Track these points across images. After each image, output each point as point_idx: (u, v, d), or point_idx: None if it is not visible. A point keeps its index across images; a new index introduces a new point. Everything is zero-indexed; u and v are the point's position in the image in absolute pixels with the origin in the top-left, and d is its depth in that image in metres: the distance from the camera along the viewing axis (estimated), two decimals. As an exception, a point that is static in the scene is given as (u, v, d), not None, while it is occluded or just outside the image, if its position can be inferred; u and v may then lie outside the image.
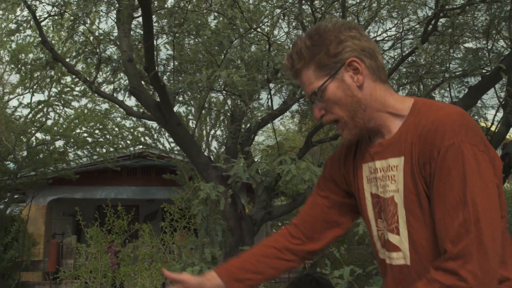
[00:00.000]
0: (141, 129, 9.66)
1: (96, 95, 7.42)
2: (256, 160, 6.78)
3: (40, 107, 9.29)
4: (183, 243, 4.04)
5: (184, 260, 3.16)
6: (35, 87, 9.08)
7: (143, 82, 4.63)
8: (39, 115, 9.47)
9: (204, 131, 9.38)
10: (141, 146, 10.20)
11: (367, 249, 6.86)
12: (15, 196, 10.16)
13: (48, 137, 9.48)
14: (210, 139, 9.35)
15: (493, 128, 4.59)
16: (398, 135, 1.28)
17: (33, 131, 9.42)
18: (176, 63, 5.22)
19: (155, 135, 9.50)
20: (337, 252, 3.21)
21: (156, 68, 4.84)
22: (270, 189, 3.96)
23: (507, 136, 4.75)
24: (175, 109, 6.10)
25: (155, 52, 4.70)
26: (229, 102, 6.07)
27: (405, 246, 1.27)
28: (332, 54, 1.29)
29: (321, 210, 1.51)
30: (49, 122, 9.63)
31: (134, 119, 9.18)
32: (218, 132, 9.12)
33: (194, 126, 7.90)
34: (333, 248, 3.21)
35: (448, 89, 4.67)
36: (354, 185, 1.45)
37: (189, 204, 3.87)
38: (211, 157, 7.56)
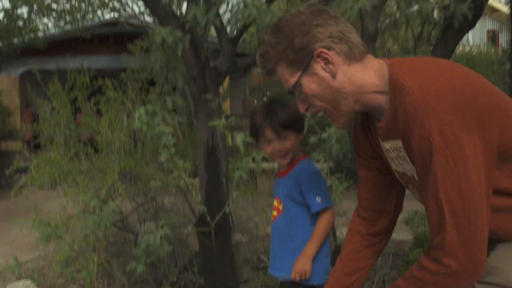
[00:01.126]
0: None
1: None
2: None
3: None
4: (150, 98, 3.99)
5: (147, 108, 3.11)
6: None
7: None
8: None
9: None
10: (110, 15, 9.73)
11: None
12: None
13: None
14: None
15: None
16: (390, 118, 1.24)
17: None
18: None
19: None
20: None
21: None
22: (234, 40, 3.82)
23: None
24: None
25: None
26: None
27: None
28: (298, 49, 1.25)
29: (373, 183, 1.51)
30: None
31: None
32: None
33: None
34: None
35: None
36: (381, 155, 1.43)
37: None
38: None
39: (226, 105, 8.86)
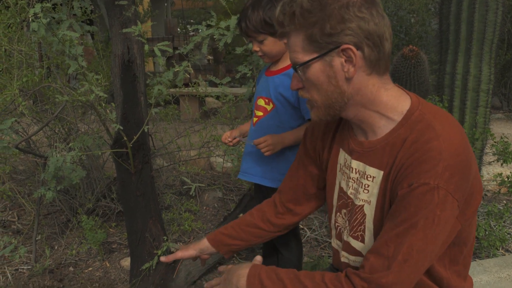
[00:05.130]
0: None
1: None
2: None
3: None
4: None
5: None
6: None
7: None
8: None
9: None
10: None
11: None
12: None
13: None
14: None
15: None
16: (383, 144, 1.17)
17: None
18: None
19: None
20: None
21: None
22: None
23: None
24: None
25: None
26: None
27: None
28: (327, 33, 1.09)
29: (298, 182, 1.48)
30: None
31: None
32: None
33: None
34: None
35: None
36: (325, 163, 1.39)
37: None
38: None
39: (147, 28, 8.28)
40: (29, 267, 2.90)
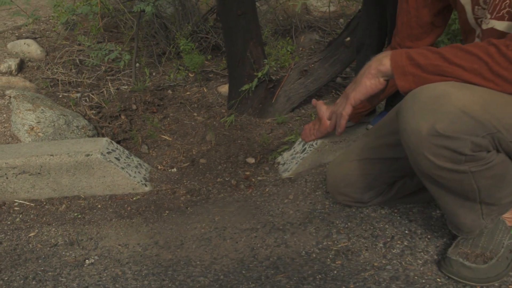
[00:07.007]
0: None
1: None
2: None
3: None
4: None
5: None
6: None
7: None
8: None
9: None
10: None
11: None
12: None
13: None
14: None
15: None
16: None
17: None
18: None
19: None
20: None
21: None
22: None
23: None
24: None
25: None
26: None
27: None
28: None
29: (410, 15, 1.38)
30: None
31: None
32: None
33: None
34: None
35: None
36: None
37: None
38: None
39: None
40: (130, 86, 2.95)
